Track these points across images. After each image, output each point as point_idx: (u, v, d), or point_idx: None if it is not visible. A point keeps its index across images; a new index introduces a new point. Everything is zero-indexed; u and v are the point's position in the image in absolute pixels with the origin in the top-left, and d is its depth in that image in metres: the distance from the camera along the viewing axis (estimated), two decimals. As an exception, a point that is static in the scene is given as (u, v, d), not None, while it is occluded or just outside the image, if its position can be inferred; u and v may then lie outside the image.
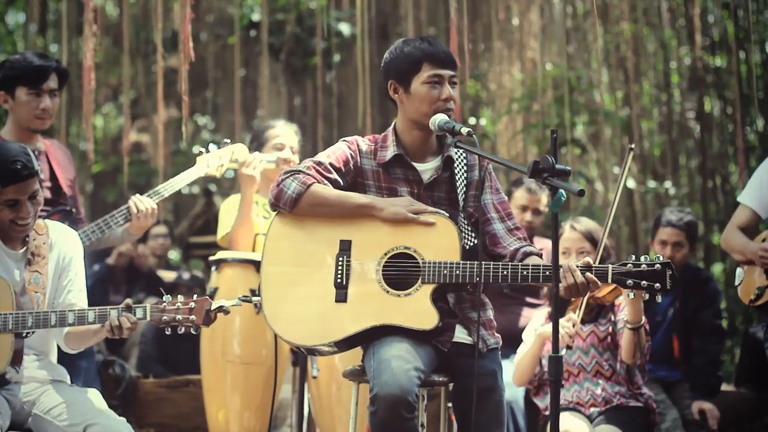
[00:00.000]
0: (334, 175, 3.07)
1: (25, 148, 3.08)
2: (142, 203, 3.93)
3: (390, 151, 3.10)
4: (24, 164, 2.99)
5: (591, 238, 4.01)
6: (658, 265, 2.88)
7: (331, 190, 3.04)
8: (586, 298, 3.76)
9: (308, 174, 3.05)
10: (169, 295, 3.02)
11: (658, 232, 4.98)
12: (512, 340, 4.20)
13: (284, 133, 4.47)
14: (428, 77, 3.02)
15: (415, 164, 3.12)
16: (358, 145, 3.14)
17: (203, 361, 4.30)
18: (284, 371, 4.34)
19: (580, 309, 3.82)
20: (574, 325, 3.77)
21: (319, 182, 3.05)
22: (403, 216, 2.99)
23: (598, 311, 4.01)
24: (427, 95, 3.02)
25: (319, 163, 3.08)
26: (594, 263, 2.94)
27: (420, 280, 2.97)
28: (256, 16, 9.81)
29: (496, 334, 3.15)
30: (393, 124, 3.17)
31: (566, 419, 3.82)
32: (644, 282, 2.88)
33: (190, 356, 5.60)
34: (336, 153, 3.11)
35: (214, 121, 11.13)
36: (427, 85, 3.03)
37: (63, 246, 3.22)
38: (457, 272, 2.95)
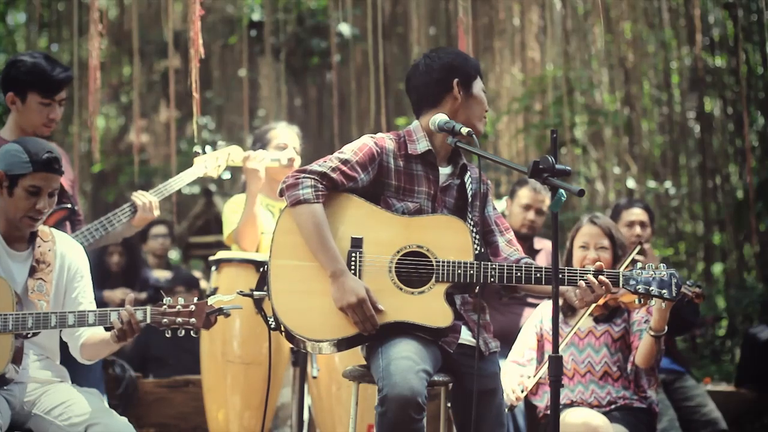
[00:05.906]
0: (360, 174, 3.06)
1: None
2: (145, 197, 3.96)
3: (422, 145, 3.12)
4: (57, 158, 3.08)
5: (610, 234, 3.96)
6: (664, 273, 3.00)
7: (324, 225, 2.97)
8: (601, 303, 3.75)
9: (327, 184, 3.01)
10: (169, 298, 3.00)
11: (622, 215, 4.93)
12: (512, 340, 4.20)
13: (286, 134, 4.51)
14: (482, 87, 3.22)
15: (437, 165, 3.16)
16: (384, 143, 3.13)
17: (203, 361, 4.30)
18: (283, 371, 4.35)
19: (568, 334, 3.86)
20: (523, 391, 3.81)
21: (339, 185, 3.02)
22: (353, 303, 2.91)
23: (613, 311, 3.94)
24: (483, 101, 3.20)
25: (345, 162, 3.05)
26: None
27: (434, 279, 2.99)
28: (256, 16, 9.82)
29: (494, 338, 3.17)
30: (418, 120, 3.19)
31: (582, 412, 3.78)
32: (653, 289, 2.98)
33: (173, 349, 5.62)
34: (363, 150, 3.09)
35: (214, 121, 11.13)
36: (482, 93, 3.21)
37: (69, 257, 3.21)
38: (471, 272, 2.98)
